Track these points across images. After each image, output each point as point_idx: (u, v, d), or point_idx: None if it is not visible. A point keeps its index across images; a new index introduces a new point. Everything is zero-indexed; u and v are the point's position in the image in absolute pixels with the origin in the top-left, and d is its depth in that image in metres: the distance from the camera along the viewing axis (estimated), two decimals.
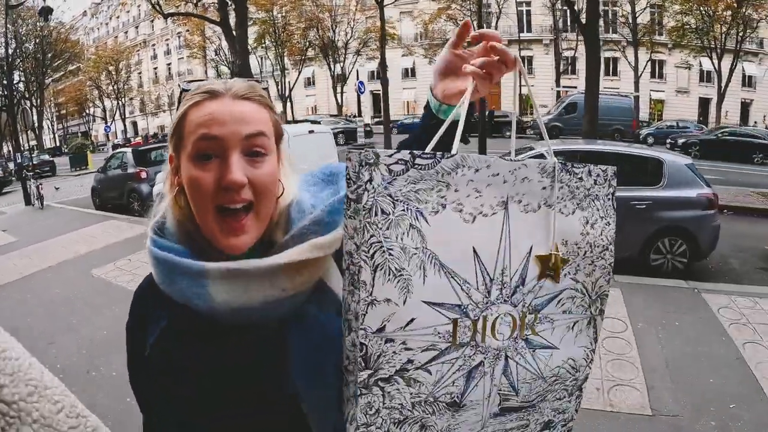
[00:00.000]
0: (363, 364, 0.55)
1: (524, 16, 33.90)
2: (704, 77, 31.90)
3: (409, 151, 0.54)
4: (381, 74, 17.50)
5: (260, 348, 0.69)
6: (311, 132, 7.83)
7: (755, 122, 29.78)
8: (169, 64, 47.89)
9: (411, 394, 0.58)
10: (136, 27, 49.37)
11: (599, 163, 0.68)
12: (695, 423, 2.79)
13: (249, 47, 30.27)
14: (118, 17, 50.35)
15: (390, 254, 0.54)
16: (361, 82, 19.23)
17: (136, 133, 47.63)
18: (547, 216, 0.62)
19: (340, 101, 31.62)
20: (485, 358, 0.60)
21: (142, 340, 0.73)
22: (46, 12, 16.08)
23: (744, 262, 6.18)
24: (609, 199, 0.66)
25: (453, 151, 0.58)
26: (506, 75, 0.69)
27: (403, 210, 0.54)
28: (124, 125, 45.50)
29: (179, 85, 0.79)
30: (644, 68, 29.80)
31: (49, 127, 51.57)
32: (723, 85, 26.48)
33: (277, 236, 0.72)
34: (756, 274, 5.67)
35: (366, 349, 0.55)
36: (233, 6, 13.49)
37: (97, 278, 5.74)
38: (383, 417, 0.57)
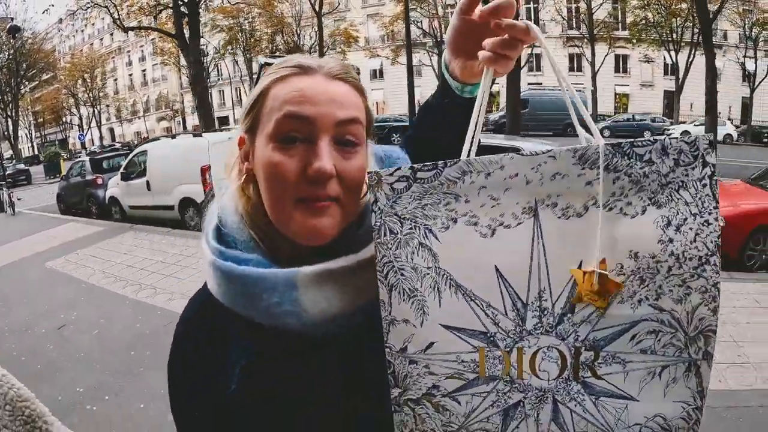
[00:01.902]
0: (393, 382, 0.54)
1: None
2: (668, 70, 32.53)
3: (409, 166, 0.51)
4: None
5: (353, 357, 0.62)
6: (230, 139, 8.74)
7: (719, 112, 30.91)
8: (144, 71, 48.36)
9: (441, 422, 0.54)
10: (111, 34, 49.67)
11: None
12: None
13: (218, 52, 31.17)
14: (93, 24, 50.61)
15: (402, 274, 0.52)
16: None
17: (114, 140, 47.83)
18: (603, 221, 0.48)
19: None
20: (525, 398, 0.52)
21: (215, 377, 0.62)
22: (14, 30, 16.86)
23: None
24: (705, 185, 0.47)
25: (462, 156, 0.52)
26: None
27: (411, 228, 0.51)
28: (100, 132, 45.68)
29: (259, 60, 0.70)
30: (602, 62, 30.65)
31: (26, 136, 51.81)
32: (681, 77, 27.60)
33: (353, 231, 0.63)
34: None
35: (393, 367, 0.54)
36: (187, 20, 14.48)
37: (49, 269, 6.79)
38: None
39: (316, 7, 16.71)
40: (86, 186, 11.39)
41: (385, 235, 0.52)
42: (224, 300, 0.61)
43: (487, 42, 0.57)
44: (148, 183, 9.04)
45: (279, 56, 0.66)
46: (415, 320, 0.52)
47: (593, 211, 0.48)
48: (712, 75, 10.10)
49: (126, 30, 16.51)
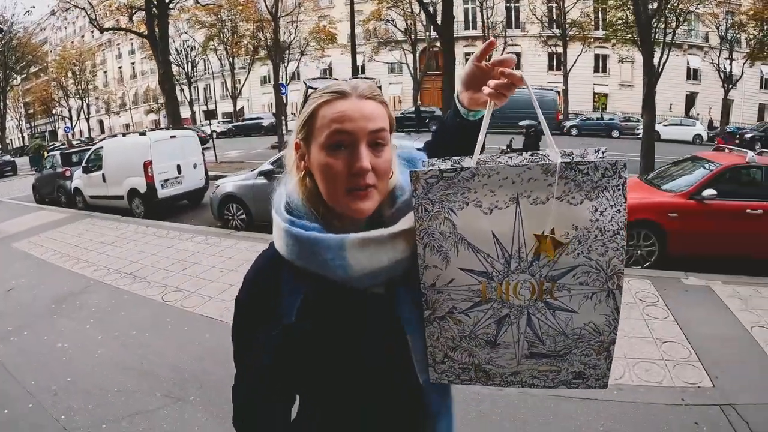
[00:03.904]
0: (425, 306, 0.81)
1: (469, 13, 35.75)
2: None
3: (438, 168, 0.76)
4: (274, 80, 19.61)
5: (383, 307, 0.85)
6: (173, 137, 9.83)
7: (698, 113, 31.26)
8: (133, 63, 49.04)
9: (458, 330, 0.81)
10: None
11: None
12: None
13: (201, 48, 31.80)
14: (84, 17, 50.90)
15: (433, 237, 0.77)
16: (282, 84, 21.08)
17: (102, 132, 48.56)
18: (556, 207, 0.73)
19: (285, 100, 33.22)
20: (510, 312, 0.78)
21: (276, 315, 0.83)
22: None
23: None
24: (618, 189, 0.72)
25: (472, 163, 0.77)
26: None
27: (439, 208, 0.76)
28: (88, 125, 46.16)
29: (304, 83, 0.86)
30: (575, 62, 30.76)
31: (16, 127, 52.38)
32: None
33: (385, 211, 0.87)
34: None
35: (426, 296, 0.80)
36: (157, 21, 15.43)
37: (14, 249, 7.91)
38: (441, 343, 0.82)
39: (275, 11, 17.60)
40: (56, 178, 12.43)
41: (421, 212, 0.77)
42: (291, 256, 0.83)
43: (492, 82, 0.83)
44: (103, 176, 10.15)
45: (320, 79, 0.85)
46: (441, 265, 0.78)
47: (552, 201, 0.73)
48: (649, 72, 10.40)
49: (102, 30, 17.43)
